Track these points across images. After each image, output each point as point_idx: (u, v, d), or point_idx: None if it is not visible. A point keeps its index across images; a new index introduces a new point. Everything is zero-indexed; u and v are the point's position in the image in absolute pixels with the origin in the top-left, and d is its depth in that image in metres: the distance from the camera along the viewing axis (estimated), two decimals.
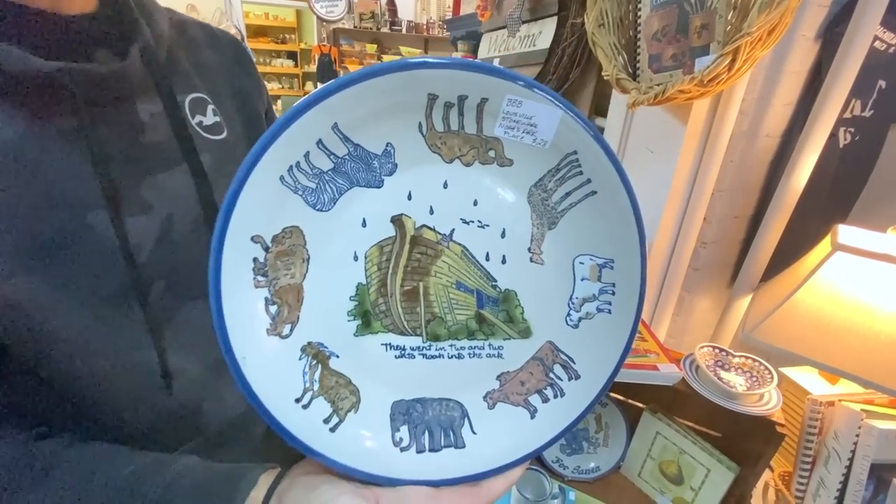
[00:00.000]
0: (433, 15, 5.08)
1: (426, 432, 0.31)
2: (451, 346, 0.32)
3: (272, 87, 6.70)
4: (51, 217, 0.31)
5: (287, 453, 0.31)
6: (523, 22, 1.31)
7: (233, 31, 2.73)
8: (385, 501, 0.27)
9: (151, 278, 0.36)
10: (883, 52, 0.88)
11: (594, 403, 0.32)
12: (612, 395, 0.95)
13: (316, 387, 0.29)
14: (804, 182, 0.82)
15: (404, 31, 4.95)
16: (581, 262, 0.32)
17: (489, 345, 0.32)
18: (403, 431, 0.31)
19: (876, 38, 0.81)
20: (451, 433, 0.32)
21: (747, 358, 0.78)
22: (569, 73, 1.15)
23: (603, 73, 0.83)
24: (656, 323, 1.04)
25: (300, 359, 0.29)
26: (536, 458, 0.96)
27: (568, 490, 0.91)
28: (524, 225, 0.31)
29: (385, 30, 4.87)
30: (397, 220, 0.29)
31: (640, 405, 0.92)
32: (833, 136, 0.96)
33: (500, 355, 0.33)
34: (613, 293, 0.32)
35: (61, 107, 0.32)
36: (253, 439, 0.45)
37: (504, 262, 0.31)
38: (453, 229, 0.30)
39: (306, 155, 0.26)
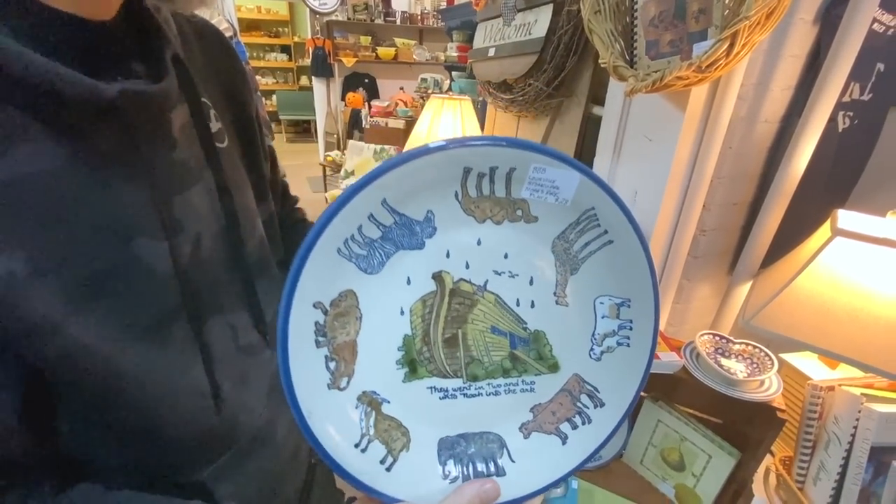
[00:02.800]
0: (427, 5, 5.02)
1: (470, 464, 0.35)
2: (488, 384, 0.36)
3: (266, 81, 6.65)
4: (100, 247, 0.30)
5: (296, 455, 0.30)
6: (518, 10, 1.30)
7: (224, 27, 2.70)
8: None
9: (192, 299, 0.35)
10: (881, 35, 0.87)
11: (619, 426, 0.36)
12: None
13: (372, 431, 0.33)
14: (803, 168, 0.82)
15: (398, 22, 4.90)
16: (601, 302, 0.36)
17: (522, 381, 0.37)
18: (450, 465, 0.35)
19: (874, 19, 0.80)
20: (493, 463, 0.35)
21: (747, 345, 0.78)
22: (565, 62, 1.14)
23: (600, 61, 0.82)
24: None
25: (356, 407, 0.32)
26: None
27: (570, 478, 0.91)
28: (549, 272, 0.35)
29: (379, 21, 4.82)
30: (437, 277, 0.33)
31: (641, 393, 0.92)
32: (832, 120, 0.96)
33: (532, 389, 0.37)
34: (631, 328, 0.35)
35: (110, 129, 0.30)
36: (275, 445, 0.45)
37: (533, 306, 0.35)
38: (487, 280, 0.34)
39: (359, 228, 0.30)
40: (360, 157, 3.57)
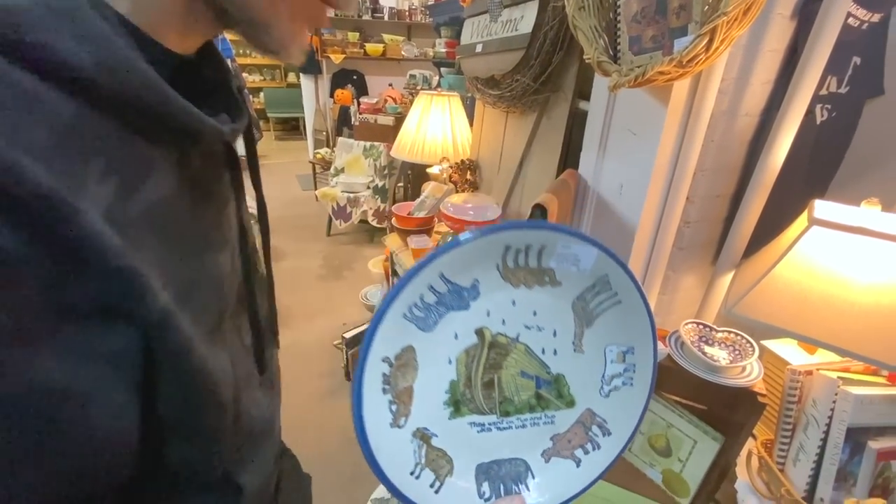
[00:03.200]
0: (415, 1, 5.00)
1: (501, 485, 0.43)
2: (517, 419, 0.44)
3: (253, 79, 6.58)
4: (189, 259, 0.32)
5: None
6: (505, 6, 1.31)
7: None
8: None
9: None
10: (856, 29, 0.90)
11: (623, 451, 0.44)
12: None
13: (423, 461, 0.40)
14: (782, 160, 0.84)
15: (386, 18, 4.87)
16: (610, 350, 0.44)
17: (545, 415, 0.45)
18: (485, 486, 0.42)
19: (849, 14, 0.82)
20: (520, 483, 0.44)
21: (730, 332, 0.80)
22: (551, 57, 1.15)
23: (584, 57, 0.84)
24: None
25: (412, 441, 0.39)
26: None
27: None
28: (569, 326, 0.42)
29: (367, 17, 4.79)
30: (479, 332, 0.40)
31: None
32: (810, 113, 0.98)
33: (552, 422, 0.45)
34: (634, 371, 0.44)
35: (202, 156, 0.33)
36: (274, 437, 0.47)
37: (555, 353, 0.43)
38: (519, 334, 0.41)
39: (421, 296, 0.37)
40: (350, 154, 3.56)
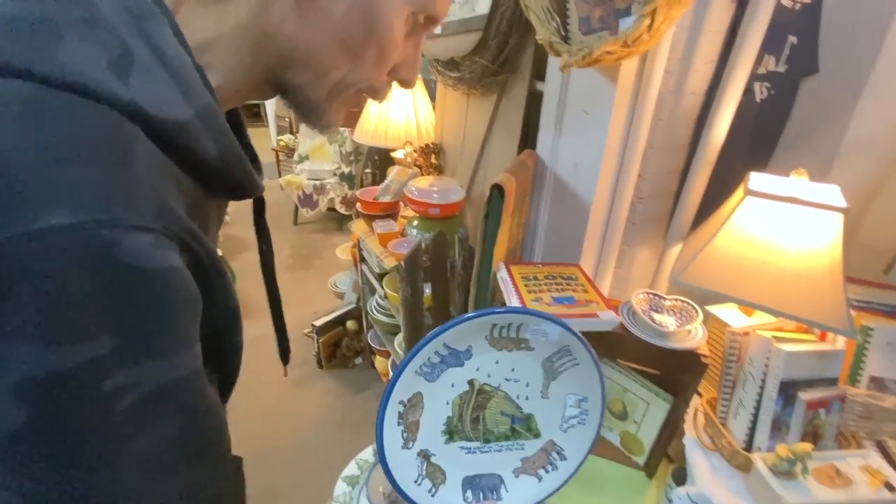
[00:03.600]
0: None
1: (480, 493, 0.59)
2: (496, 445, 0.60)
3: None
4: None
5: None
6: None
7: None
8: None
9: None
10: (791, 10, 0.95)
11: (574, 473, 0.62)
12: None
13: (424, 473, 0.55)
14: (723, 136, 0.88)
15: None
16: (569, 397, 0.61)
17: (517, 443, 0.62)
18: (469, 493, 0.59)
19: None
20: (495, 493, 0.60)
21: (677, 300, 0.85)
22: (508, 38, 1.16)
23: (536, 37, 0.85)
24: (600, 276, 1.11)
25: (416, 459, 0.55)
26: None
27: None
28: (539, 379, 0.59)
29: None
30: (470, 382, 0.56)
31: None
32: (750, 91, 1.03)
33: (522, 448, 0.62)
34: (587, 414, 0.62)
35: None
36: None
37: (527, 399, 0.60)
38: (500, 384, 0.58)
39: (429, 358, 0.51)
40: (314, 140, 3.48)
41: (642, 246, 1.14)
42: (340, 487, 0.79)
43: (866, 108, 1.09)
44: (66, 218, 0.19)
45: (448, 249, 1.31)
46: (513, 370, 0.57)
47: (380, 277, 1.57)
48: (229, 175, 0.32)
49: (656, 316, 0.84)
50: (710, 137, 0.87)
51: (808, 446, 0.68)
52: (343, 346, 2.06)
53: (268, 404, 1.87)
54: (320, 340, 1.97)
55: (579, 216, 1.05)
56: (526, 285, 0.91)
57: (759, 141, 1.14)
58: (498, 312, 0.50)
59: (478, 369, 0.55)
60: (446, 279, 1.34)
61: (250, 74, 0.34)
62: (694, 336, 0.79)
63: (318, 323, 1.95)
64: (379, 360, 1.89)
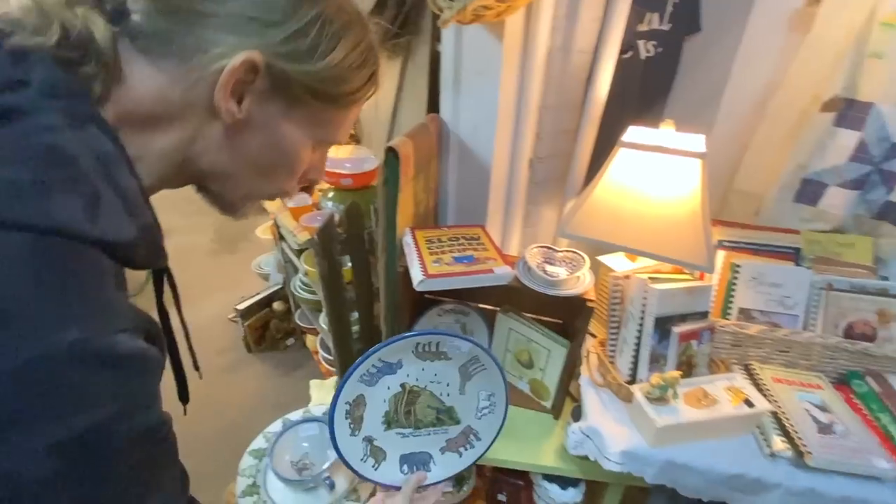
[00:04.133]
0: None
1: (414, 466, 0.74)
2: (425, 430, 0.75)
3: None
4: None
5: None
6: None
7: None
8: (400, 497, 0.67)
9: None
10: None
11: (487, 450, 0.77)
12: (472, 304, 1.05)
13: (368, 453, 0.70)
14: (605, 93, 0.92)
15: None
16: (481, 393, 0.76)
17: (442, 429, 0.76)
18: (405, 467, 0.73)
19: None
20: (425, 466, 0.74)
21: (568, 251, 0.90)
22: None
23: None
24: (508, 235, 1.15)
25: (362, 443, 0.69)
26: None
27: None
28: (456, 381, 0.74)
29: None
30: (402, 385, 0.71)
31: (495, 308, 1.03)
32: (634, 49, 1.08)
33: (446, 432, 0.77)
34: (495, 405, 0.76)
35: None
36: None
37: (448, 395, 0.74)
38: (426, 385, 0.73)
39: (368, 369, 0.67)
40: None
41: (546, 205, 1.19)
42: (247, 461, 0.79)
43: (741, 66, 1.17)
44: (77, 333, 0.27)
45: (364, 220, 1.29)
46: (435, 374, 0.72)
47: (298, 254, 1.52)
48: (149, 263, 0.39)
49: (549, 267, 0.88)
50: (594, 95, 0.91)
51: (676, 374, 0.75)
52: (272, 327, 2.00)
53: (194, 394, 1.79)
54: (246, 324, 1.90)
55: (483, 178, 1.06)
56: (429, 248, 0.92)
57: (649, 98, 1.20)
58: (421, 334, 0.67)
59: (408, 375, 0.71)
60: (364, 250, 1.32)
61: (174, 180, 0.42)
62: (582, 282, 0.84)
63: (241, 307, 1.88)
64: (310, 339, 1.87)
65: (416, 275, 0.83)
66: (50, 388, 0.26)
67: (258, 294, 1.99)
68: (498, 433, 0.75)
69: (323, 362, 1.72)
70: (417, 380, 0.71)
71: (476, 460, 0.76)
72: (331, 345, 1.34)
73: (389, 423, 0.71)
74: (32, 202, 0.27)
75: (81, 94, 0.33)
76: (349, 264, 1.34)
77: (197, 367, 0.60)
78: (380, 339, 1.26)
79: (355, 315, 1.41)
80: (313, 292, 1.61)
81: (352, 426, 0.67)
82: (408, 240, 0.95)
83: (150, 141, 0.38)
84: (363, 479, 0.69)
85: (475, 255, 0.89)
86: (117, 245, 0.32)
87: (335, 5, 0.39)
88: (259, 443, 0.81)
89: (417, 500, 0.68)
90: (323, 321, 1.52)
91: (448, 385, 0.73)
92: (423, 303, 1.07)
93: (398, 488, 0.69)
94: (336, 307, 1.34)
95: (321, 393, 1.55)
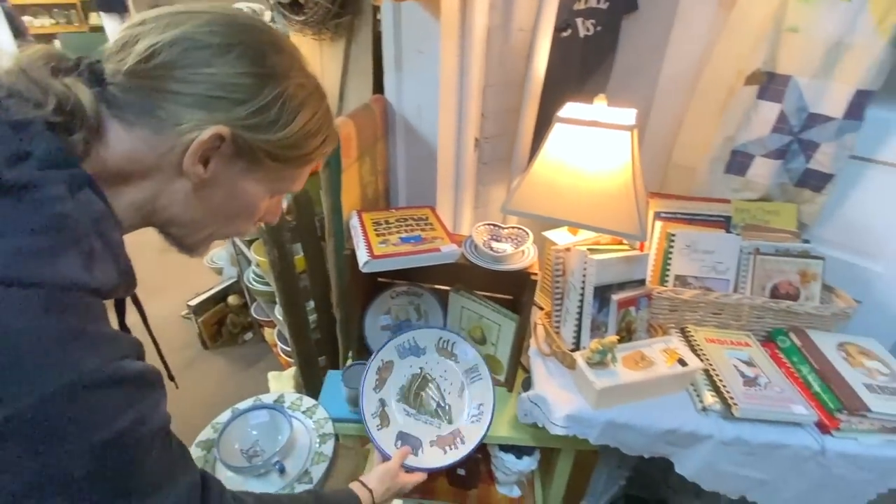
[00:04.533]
0: None
1: (406, 445, 0.81)
2: (424, 416, 0.86)
3: (42, 23, 5.24)
4: None
5: None
6: None
7: None
8: (392, 463, 0.76)
9: None
10: None
11: (472, 452, 0.83)
12: (425, 285, 1.06)
13: (378, 414, 0.83)
14: (543, 71, 0.93)
15: None
16: (474, 400, 0.88)
17: (437, 423, 0.86)
18: (399, 442, 0.82)
19: None
20: (414, 449, 0.82)
21: (514, 228, 0.92)
22: None
23: None
24: (460, 216, 1.16)
25: (378, 401, 0.84)
26: (367, 353, 1.06)
27: None
28: (458, 383, 0.89)
29: None
30: (421, 369, 0.89)
31: (447, 288, 1.04)
32: (572, 27, 1.10)
33: (439, 427, 0.86)
34: (482, 413, 0.86)
35: None
36: None
37: (450, 393, 0.89)
38: (436, 378, 0.89)
39: (404, 343, 0.90)
40: None
41: (496, 184, 1.20)
42: (195, 453, 0.77)
43: (675, 44, 1.21)
44: (92, 364, 0.34)
45: (314, 207, 1.27)
46: (445, 371, 0.88)
47: (249, 244, 1.48)
48: (124, 295, 0.45)
49: (495, 244, 0.90)
50: (532, 73, 0.92)
51: (614, 339, 0.79)
52: (228, 322, 1.95)
53: None
54: (200, 320, 1.84)
55: (430, 159, 1.06)
56: (376, 230, 0.91)
57: (590, 76, 1.22)
58: (445, 330, 0.89)
59: (426, 363, 0.88)
60: (316, 238, 1.30)
61: (139, 226, 0.46)
62: (527, 257, 0.86)
63: (193, 303, 1.81)
64: (268, 332, 1.83)
65: (362, 256, 0.83)
66: (82, 405, 0.33)
67: (212, 289, 1.93)
68: (480, 441, 0.83)
69: (282, 354, 1.69)
70: (432, 370, 0.88)
71: (455, 462, 0.83)
72: (288, 335, 1.32)
73: (402, 396, 0.86)
74: (46, 263, 0.33)
75: (74, 160, 0.38)
76: (302, 253, 1.32)
77: (172, 378, 0.61)
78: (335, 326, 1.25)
79: (312, 305, 1.39)
80: (267, 284, 1.58)
81: (377, 382, 0.85)
82: (354, 222, 0.94)
83: (122, 194, 0.42)
84: (367, 431, 0.81)
85: (423, 235, 0.90)
86: (107, 289, 0.38)
87: (295, 84, 0.43)
88: (207, 433, 0.80)
89: (402, 476, 0.75)
90: (279, 312, 1.49)
91: (451, 384, 0.89)
92: (377, 286, 1.07)
93: (387, 458, 0.79)
94: (289, 296, 1.32)
95: (279, 384, 1.53)
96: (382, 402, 0.84)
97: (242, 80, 0.40)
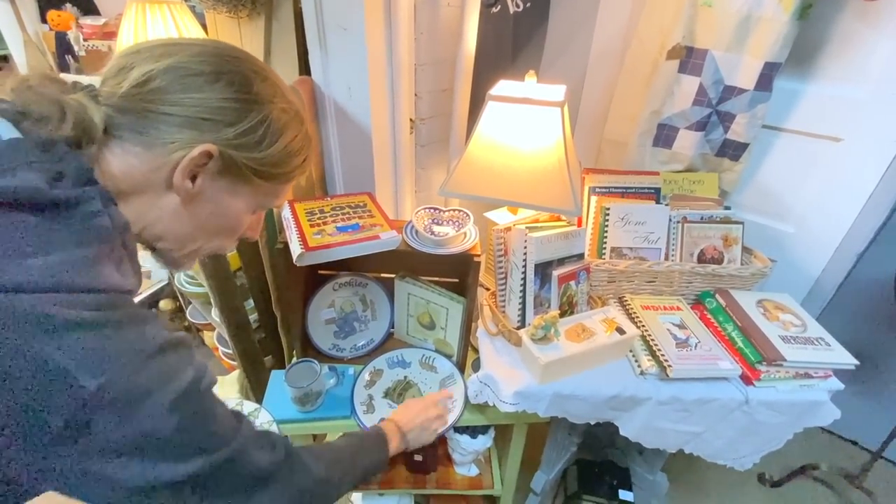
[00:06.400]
0: None
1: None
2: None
3: None
4: None
5: None
6: None
7: None
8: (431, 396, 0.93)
9: None
10: None
11: (454, 423, 0.90)
12: (369, 274, 1.03)
13: (366, 404, 0.95)
14: (474, 47, 0.91)
15: None
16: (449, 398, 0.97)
17: None
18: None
19: None
20: None
21: (454, 210, 0.90)
22: None
23: None
24: (401, 200, 1.13)
25: (367, 396, 0.97)
26: (312, 350, 1.02)
27: (344, 368, 0.99)
28: (436, 388, 0.98)
29: None
30: (405, 377, 1.01)
31: (392, 276, 1.02)
32: (501, 2, 1.08)
33: None
34: (455, 406, 0.93)
35: None
36: None
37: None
38: (419, 383, 1.00)
39: (394, 357, 1.06)
40: None
41: (435, 167, 1.18)
42: None
43: (602, 19, 1.23)
44: (154, 336, 0.39)
45: None
46: (426, 380, 0.99)
47: None
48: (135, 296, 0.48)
49: (436, 228, 0.88)
50: (463, 50, 0.90)
51: (555, 313, 0.80)
52: None
53: None
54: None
55: (365, 143, 1.02)
56: (309, 220, 0.87)
57: (523, 52, 1.22)
58: (426, 349, 1.03)
59: (411, 373, 1.00)
60: None
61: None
62: (469, 238, 0.86)
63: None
64: (207, 336, 1.72)
65: (295, 249, 0.78)
66: (157, 368, 0.38)
67: (140, 294, 1.78)
68: (448, 427, 0.89)
69: (224, 357, 1.60)
70: (415, 378, 1.00)
71: (446, 429, 0.90)
72: (227, 337, 1.24)
73: (387, 394, 0.97)
74: (96, 272, 0.37)
75: (94, 177, 0.40)
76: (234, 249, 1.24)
77: None
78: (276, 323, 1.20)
79: (251, 304, 1.32)
80: (201, 285, 1.48)
81: (368, 383, 0.97)
82: (286, 214, 0.89)
83: (121, 209, 0.45)
84: (353, 413, 0.91)
85: (360, 223, 0.86)
86: (131, 291, 0.41)
87: (278, 108, 0.46)
88: None
89: (438, 417, 0.86)
90: (216, 314, 1.40)
91: (430, 388, 0.99)
92: (319, 279, 1.03)
93: None
94: (225, 296, 1.24)
95: (222, 389, 1.45)
96: (370, 397, 0.96)
97: (230, 104, 0.44)
